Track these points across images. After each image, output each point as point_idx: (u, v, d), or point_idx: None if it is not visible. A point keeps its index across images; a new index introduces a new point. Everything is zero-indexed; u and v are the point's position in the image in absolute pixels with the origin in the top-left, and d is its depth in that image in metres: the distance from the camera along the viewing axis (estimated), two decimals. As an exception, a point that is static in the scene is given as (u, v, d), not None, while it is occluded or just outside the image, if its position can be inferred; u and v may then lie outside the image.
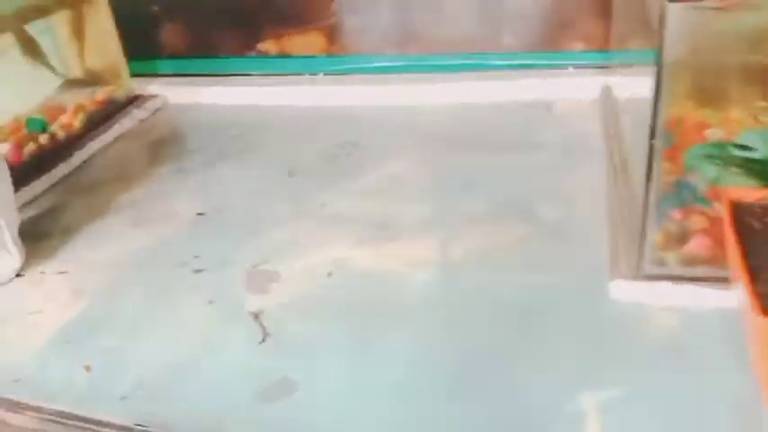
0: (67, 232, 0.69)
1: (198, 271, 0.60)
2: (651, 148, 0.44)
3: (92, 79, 0.92)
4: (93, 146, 0.86)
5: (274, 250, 0.62)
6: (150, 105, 0.96)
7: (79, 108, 0.87)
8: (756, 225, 0.43)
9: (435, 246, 0.59)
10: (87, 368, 0.50)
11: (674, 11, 0.39)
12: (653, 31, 0.43)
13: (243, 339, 0.51)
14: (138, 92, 0.97)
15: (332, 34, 0.96)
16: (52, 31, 0.88)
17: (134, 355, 0.51)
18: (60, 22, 0.88)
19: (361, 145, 0.81)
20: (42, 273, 0.63)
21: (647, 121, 0.46)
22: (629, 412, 0.42)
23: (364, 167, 0.75)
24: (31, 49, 0.83)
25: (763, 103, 0.53)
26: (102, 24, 0.90)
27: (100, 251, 0.65)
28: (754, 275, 0.39)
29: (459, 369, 0.46)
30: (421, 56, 0.92)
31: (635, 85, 0.68)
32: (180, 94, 0.99)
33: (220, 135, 0.88)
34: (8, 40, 0.80)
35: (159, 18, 1.01)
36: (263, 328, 0.52)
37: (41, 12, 0.84)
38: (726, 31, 0.41)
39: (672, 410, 0.41)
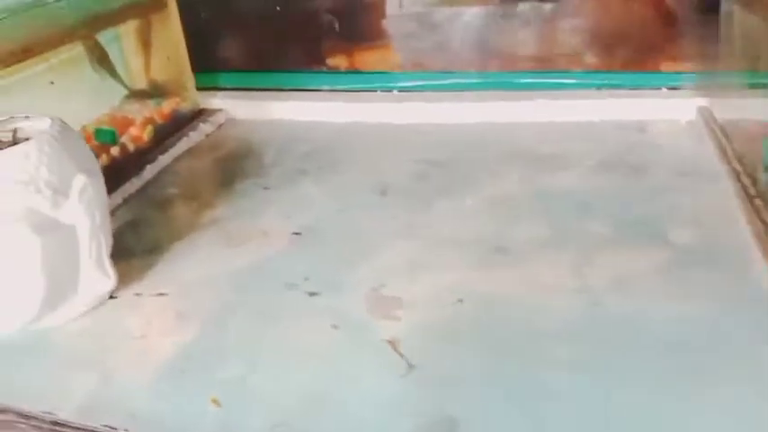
0: (153, 251, 0.64)
1: (312, 294, 0.56)
2: None
3: (156, 91, 0.88)
4: (164, 159, 0.82)
5: (388, 273, 0.58)
6: (215, 119, 0.92)
7: (148, 120, 0.83)
8: None
9: (567, 270, 0.56)
10: (215, 402, 0.46)
11: None
12: None
13: (382, 369, 0.47)
14: (201, 105, 0.94)
15: (405, 50, 0.93)
16: (119, 40, 0.84)
17: (262, 387, 0.47)
18: (128, 31, 0.84)
19: (449, 163, 0.77)
20: (138, 295, 0.58)
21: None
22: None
23: (460, 186, 0.71)
24: (100, 58, 0.80)
25: None
26: (172, 35, 0.87)
27: (196, 271, 0.61)
28: None
29: (632, 411, 0.43)
30: (500, 73, 0.89)
31: (754, 106, 0.66)
32: (244, 109, 0.95)
33: (293, 151, 0.84)
34: (78, 49, 0.77)
35: (221, 30, 0.98)
36: (404, 357, 0.48)
37: (111, 21, 0.81)
38: None
39: None
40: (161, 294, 0.58)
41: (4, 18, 0.61)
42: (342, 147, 0.84)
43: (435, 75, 0.91)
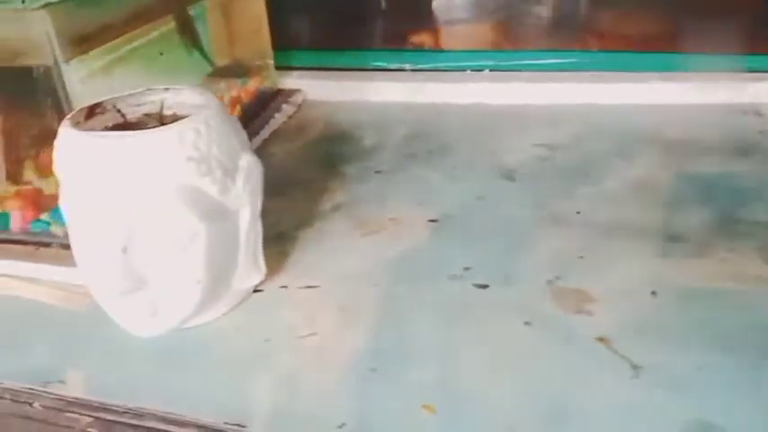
0: (283, 239, 0.59)
1: (481, 286, 0.51)
2: None
3: (239, 68, 0.81)
4: (256, 141, 0.76)
5: (558, 264, 0.53)
6: (294, 100, 0.86)
7: (235, 100, 0.77)
8: None
9: (755, 258, 0.52)
10: (428, 408, 0.40)
11: None
12: None
13: (604, 370, 0.42)
14: (279, 85, 0.87)
15: (499, 27, 0.88)
16: (205, 12, 0.77)
17: (476, 391, 0.42)
18: (213, 4, 0.78)
19: (570, 146, 0.72)
20: (284, 287, 0.53)
21: None
22: None
23: (593, 171, 0.67)
24: (188, 32, 0.73)
25: None
26: (256, 7, 0.80)
27: (340, 261, 0.55)
28: None
29: None
30: (601, 53, 0.85)
31: None
32: (322, 90, 0.89)
33: (391, 134, 0.79)
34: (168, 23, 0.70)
35: (294, 6, 0.91)
36: (626, 358, 0.43)
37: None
38: None
39: None
40: (310, 287, 0.53)
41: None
42: (443, 129, 0.79)
43: (531, 53, 0.86)
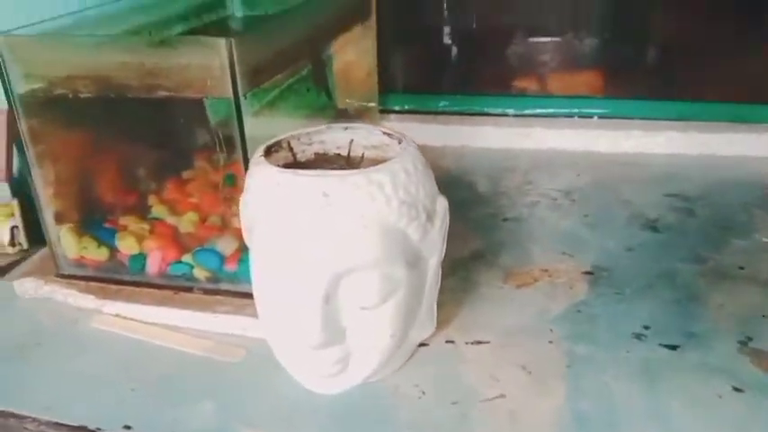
0: (427, 289, 0.55)
1: (672, 347, 0.48)
2: None
3: (352, 110, 0.79)
4: (371, 185, 0.73)
5: (741, 322, 0.50)
6: (397, 143, 0.84)
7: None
8: None
9: None
10: (667, 485, 0.36)
11: None
12: None
13: None
14: (381, 127, 0.85)
15: (608, 74, 0.86)
16: (330, 61, 0.75)
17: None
18: (337, 47, 0.76)
19: (706, 197, 0.69)
20: (451, 342, 0.49)
21: None
22: None
23: (739, 223, 0.64)
24: (319, 74, 0.70)
25: None
26: (367, 53, 0.78)
27: (503, 317, 0.52)
28: None
29: None
30: (715, 103, 0.83)
31: None
32: (423, 133, 0.86)
33: (505, 179, 0.76)
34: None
35: (397, 47, 0.90)
36: None
37: (334, 34, 0.71)
38: None
39: None
40: (480, 342, 0.49)
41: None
42: (559, 176, 0.76)
43: (643, 102, 0.84)
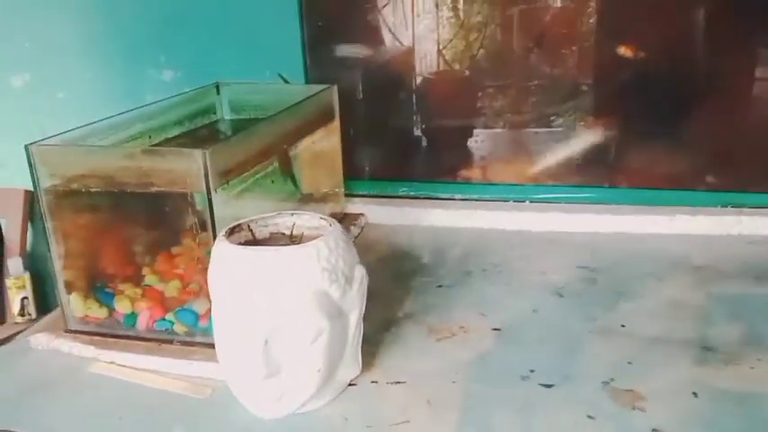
0: (366, 342, 0.68)
1: (547, 386, 0.60)
2: None
3: (318, 196, 0.94)
4: (331, 259, 0.87)
5: (611, 368, 0.62)
6: (359, 222, 0.98)
7: (313, 221, 0.89)
8: None
9: (781, 368, 0.61)
10: (517, 483, 0.48)
11: None
12: None
13: (659, 457, 0.50)
14: (345, 210, 1.00)
15: (538, 165, 1.02)
16: (297, 154, 0.91)
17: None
18: (303, 146, 0.91)
19: (610, 269, 0.83)
20: (375, 382, 0.62)
21: None
22: None
23: (633, 290, 0.77)
24: (287, 168, 0.85)
25: None
26: (333, 147, 0.94)
27: (420, 363, 0.64)
28: None
29: None
30: (628, 189, 0.98)
31: None
32: (381, 214, 1.01)
33: (447, 254, 0.90)
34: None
35: (361, 142, 1.06)
36: (679, 445, 0.51)
37: (301, 135, 0.87)
38: None
39: None
40: (398, 382, 0.61)
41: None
42: (493, 251, 0.90)
43: (563, 188, 0.99)
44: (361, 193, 1.05)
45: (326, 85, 0.92)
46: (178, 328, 0.66)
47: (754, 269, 0.81)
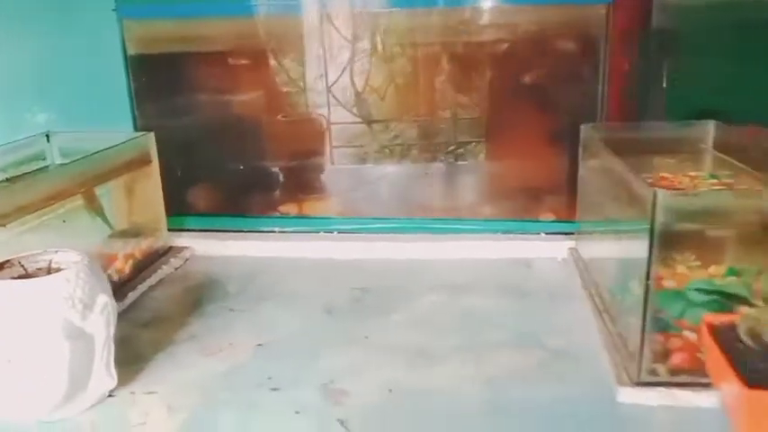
0: (140, 360, 0.78)
1: (275, 389, 0.72)
2: (647, 291, 0.63)
3: (136, 231, 1.04)
4: (142, 288, 0.97)
5: (336, 372, 0.74)
6: (182, 255, 1.09)
7: (129, 256, 0.99)
8: (728, 338, 0.61)
9: (472, 366, 0.74)
10: (208, 465, 0.59)
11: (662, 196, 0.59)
12: (638, 208, 0.64)
13: (334, 440, 0.63)
14: (171, 243, 1.11)
15: (344, 201, 1.16)
16: (110, 190, 1.01)
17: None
18: (119, 182, 1.02)
19: (380, 290, 0.96)
20: (132, 393, 0.72)
21: (620, 273, 0.65)
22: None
23: (391, 308, 0.90)
24: (93, 205, 0.96)
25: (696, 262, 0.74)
26: (152, 186, 1.05)
27: (179, 375, 0.75)
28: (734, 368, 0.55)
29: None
30: (421, 219, 1.12)
31: (601, 248, 0.90)
32: (207, 247, 1.12)
33: (253, 281, 1.01)
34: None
35: (190, 182, 1.17)
36: (349, 430, 0.64)
37: (108, 177, 0.98)
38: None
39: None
40: (151, 393, 0.72)
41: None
42: (294, 278, 1.02)
43: (368, 220, 1.13)
44: (190, 227, 1.17)
45: (142, 133, 1.04)
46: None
47: (505, 285, 0.96)
